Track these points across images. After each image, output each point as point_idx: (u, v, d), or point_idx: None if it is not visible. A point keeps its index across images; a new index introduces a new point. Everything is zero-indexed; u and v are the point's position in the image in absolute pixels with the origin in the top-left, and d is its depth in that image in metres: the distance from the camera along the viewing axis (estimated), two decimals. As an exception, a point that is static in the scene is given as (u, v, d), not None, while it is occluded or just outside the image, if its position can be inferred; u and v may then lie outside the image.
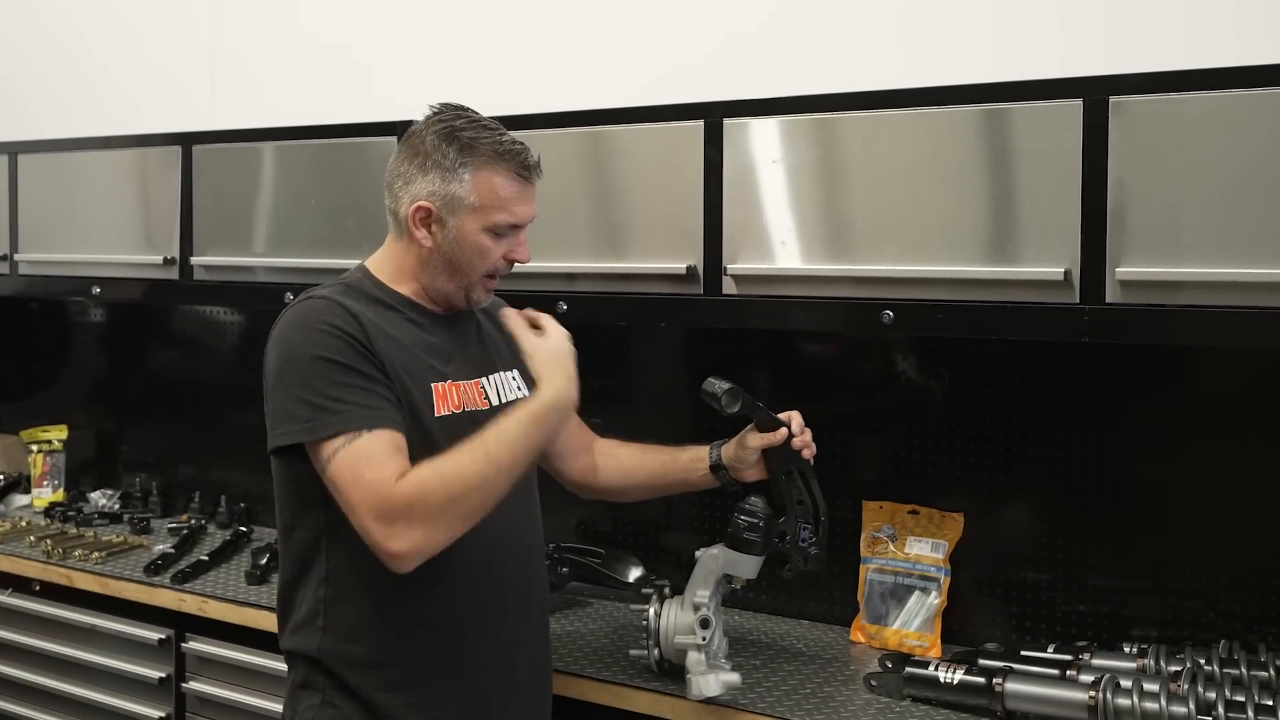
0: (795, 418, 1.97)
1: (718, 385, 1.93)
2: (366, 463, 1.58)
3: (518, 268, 1.83)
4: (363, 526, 1.58)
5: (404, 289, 1.80)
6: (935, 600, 2.19)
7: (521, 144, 1.78)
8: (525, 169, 1.77)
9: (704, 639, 1.92)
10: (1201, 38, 1.99)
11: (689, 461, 2.05)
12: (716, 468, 2.02)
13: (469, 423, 1.71)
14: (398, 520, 1.56)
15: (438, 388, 1.74)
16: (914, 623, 2.20)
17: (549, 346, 1.75)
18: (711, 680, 1.89)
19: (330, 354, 1.64)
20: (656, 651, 2.01)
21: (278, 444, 1.66)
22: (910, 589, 2.22)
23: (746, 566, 1.96)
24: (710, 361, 2.55)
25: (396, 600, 1.70)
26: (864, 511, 2.31)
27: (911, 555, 2.23)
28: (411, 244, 1.77)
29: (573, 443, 2.05)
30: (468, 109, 1.79)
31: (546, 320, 1.80)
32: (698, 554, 2.03)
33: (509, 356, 1.88)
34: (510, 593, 1.81)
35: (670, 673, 2.01)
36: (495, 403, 1.81)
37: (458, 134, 1.74)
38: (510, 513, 1.75)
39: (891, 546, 2.25)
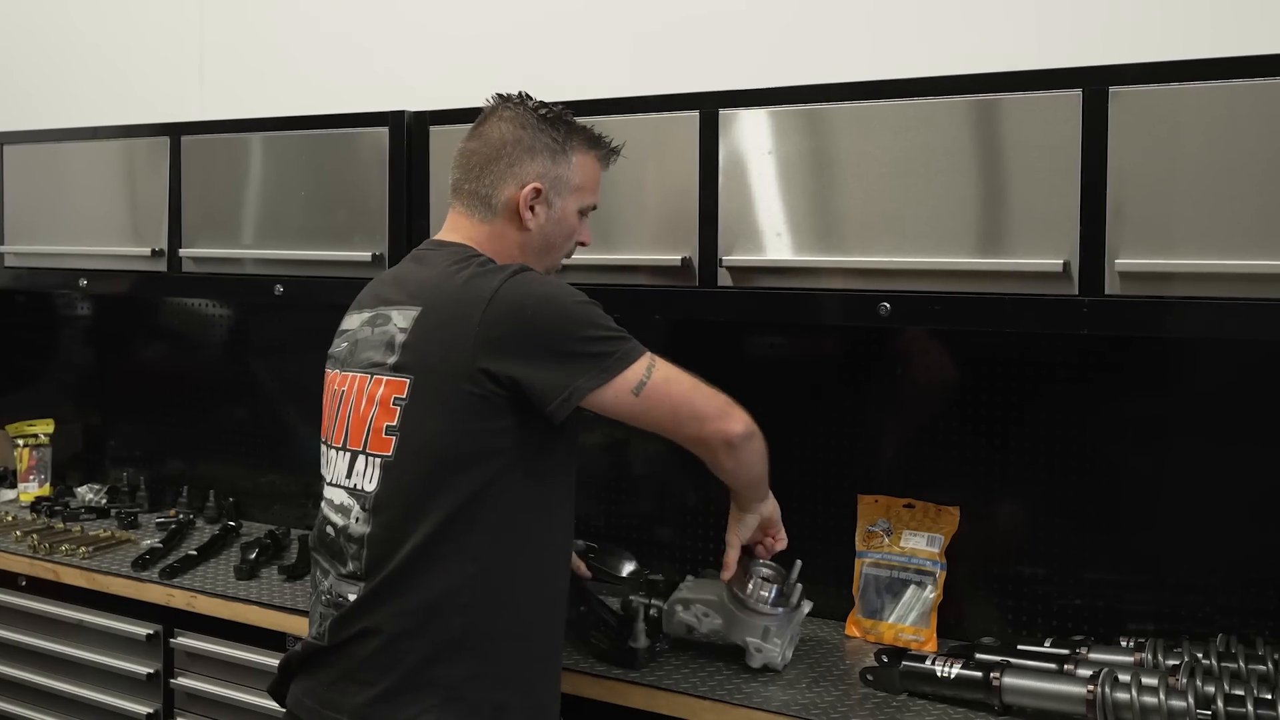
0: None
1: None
2: (690, 375, 1.73)
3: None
4: (711, 412, 1.74)
5: None
6: (931, 594, 2.18)
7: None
8: (613, 155, 1.92)
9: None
10: (1202, 28, 1.98)
11: None
12: None
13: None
14: (733, 417, 1.75)
15: None
16: (909, 617, 2.19)
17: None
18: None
19: (585, 299, 1.71)
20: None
21: (599, 383, 1.66)
22: (906, 583, 2.21)
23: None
24: (704, 355, 2.54)
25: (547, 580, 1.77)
26: (859, 505, 2.30)
27: (907, 549, 2.22)
28: (510, 226, 1.81)
29: None
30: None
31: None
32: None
33: None
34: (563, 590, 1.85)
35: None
36: None
37: (561, 118, 1.83)
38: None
39: (887, 540, 2.24)
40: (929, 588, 2.18)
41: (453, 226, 1.84)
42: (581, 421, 1.77)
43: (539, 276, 1.73)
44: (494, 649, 1.67)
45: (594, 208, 1.90)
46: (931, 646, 2.14)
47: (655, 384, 1.68)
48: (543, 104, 1.84)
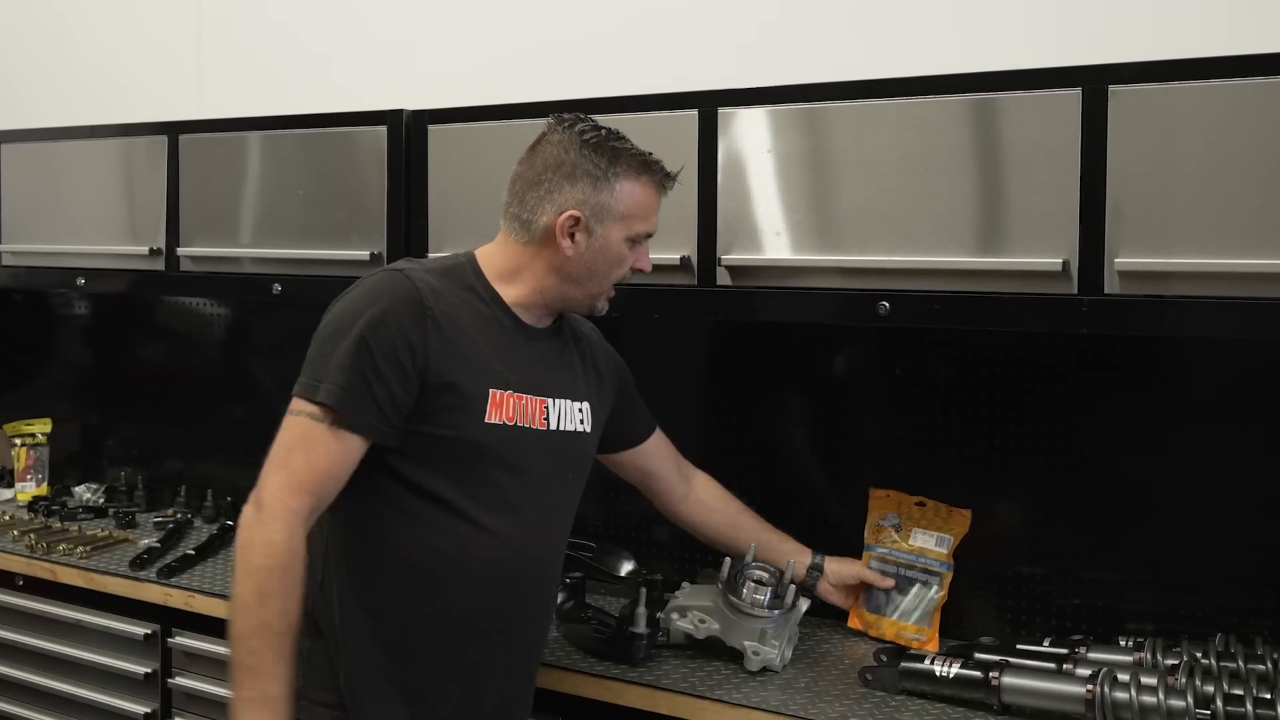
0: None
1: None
2: (308, 449, 1.62)
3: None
4: (262, 472, 1.63)
5: (507, 292, 1.78)
6: (936, 594, 2.17)
7: (658, 159, 1.80)
8: (668, 180, 1.81)
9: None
10: (1201, 27, 1.98)
11: (790, 550, 2.20)
12: (815, 568, 2.22)
13: (519, 436, 1.73)
14: (261, 507, 1.60)
15: (494, 395, 1.71)
16: (913, 615, 2.18)
17: None
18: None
19: (372, 341, 1.63)
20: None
21: (296, 393, 1.67)
22: (912, 581, 2.19)
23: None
24: (702, 353, 2.54)
25: (385, 590, 1.71)
26: (870, 499, 2.28)
27: (916, 547, 2.20)
28: (544, 251, 1.76)
29: (653, 463, 2.13)
30: (591, 117, 1.79)
31: None
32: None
33: (586, 388, 1.88)
34: (504, 618, 1.77)
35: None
36: (554, 426, 1.79)
37: (605, 143, 1.75)
38: (517, 543, 1.75)
39: (895, 536, 2.22)
40: (935, 588, 2.17)
41: (492, 243, 1.84)
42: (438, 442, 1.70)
43: (385, 286, 1.69)
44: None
45: (649, 235, 1.82)
46: (933, 646, 2.14)
47: (285, 423, 1.65)
48: (593, 127, 1.77)
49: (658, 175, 1.80)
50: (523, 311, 1.79)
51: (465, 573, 1.70)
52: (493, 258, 1.80)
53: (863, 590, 2.24)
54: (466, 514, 1.69)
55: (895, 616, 2.20)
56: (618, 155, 1.75)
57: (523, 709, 1.88)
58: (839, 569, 2.21)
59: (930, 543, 2.20)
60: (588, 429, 1.87)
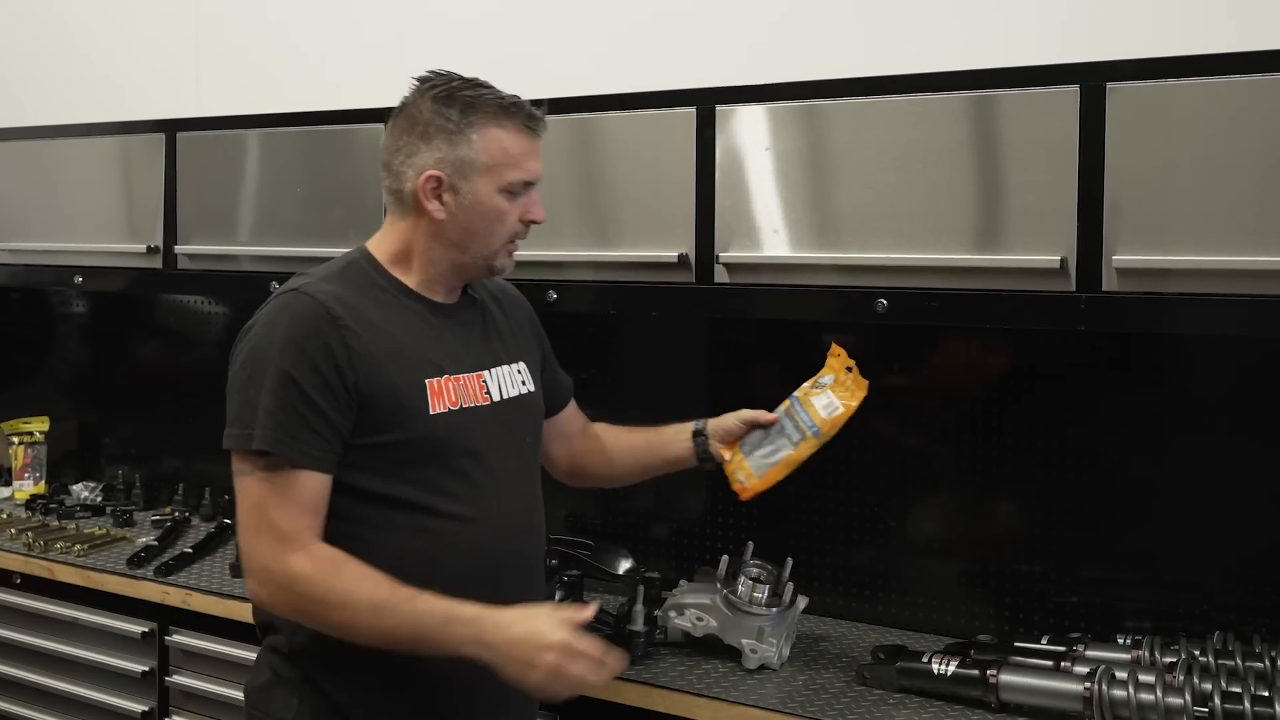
0: None
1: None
2: (276, 500, 1.57)
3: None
4: (242, 548, 1.60)
5: (408, 276, 1.72)
6: (787, 452, 1.96)
7: (521, 98, 1.70)
8: (533, 121, 1.69)
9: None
10: (1199, 24, 1.97)
11: (673, 433, 2.00)
12: (698, 433, 1.96)
13: (469, 418, 1.68)
14: (256, 577, 1.58)
15: (432, 384, 1.66)
16: (755, 461, 1.97)
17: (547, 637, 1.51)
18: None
19: (297, 375, 1.58)
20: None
21: (226, 446, 1.64)
22: (783, 433, 1.98)
23: None
24: (698, 350, 2.54)
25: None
26: (829, 355, 2.01)
27: (809, 404, 1.97)
28: (420, 221, 1.68)
29: (569, 427, 2.01)
30: (455, 72, 1.71)
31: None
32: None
33: (515, 347, 1.83)
34: (500, 604, 1.68)
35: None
36: (497, 397, 1.74)
37: (456, 95, 1.65)
38: (501, 523, 1.70)
39: (813, 390, 1.99)
40: (789, 447, 1.96)
41: (381, 229, 1.77)
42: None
43: (287, 313, 1.63)
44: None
45: (528, 182, 1.69)
46: (747, 496, 1.96)
47: (239, 485, 1.62)
48: (445, 80, 1.67)
49: (518, 116, 1.67)
50: (429, 292, 1.73)
51: (452, 568, 1.64)
52: (383, 244, 1.74)
53: (748, 431, 2.01)
54: (438, 510, 1.64)
55: (745, 454, 1.99)
56: (471, 105, 1.65)
57: (528, 699, 1.82)
58: (721, 421, 1.98)
59: (820, 404, 1.97)
60: (531, 387, 1.82)
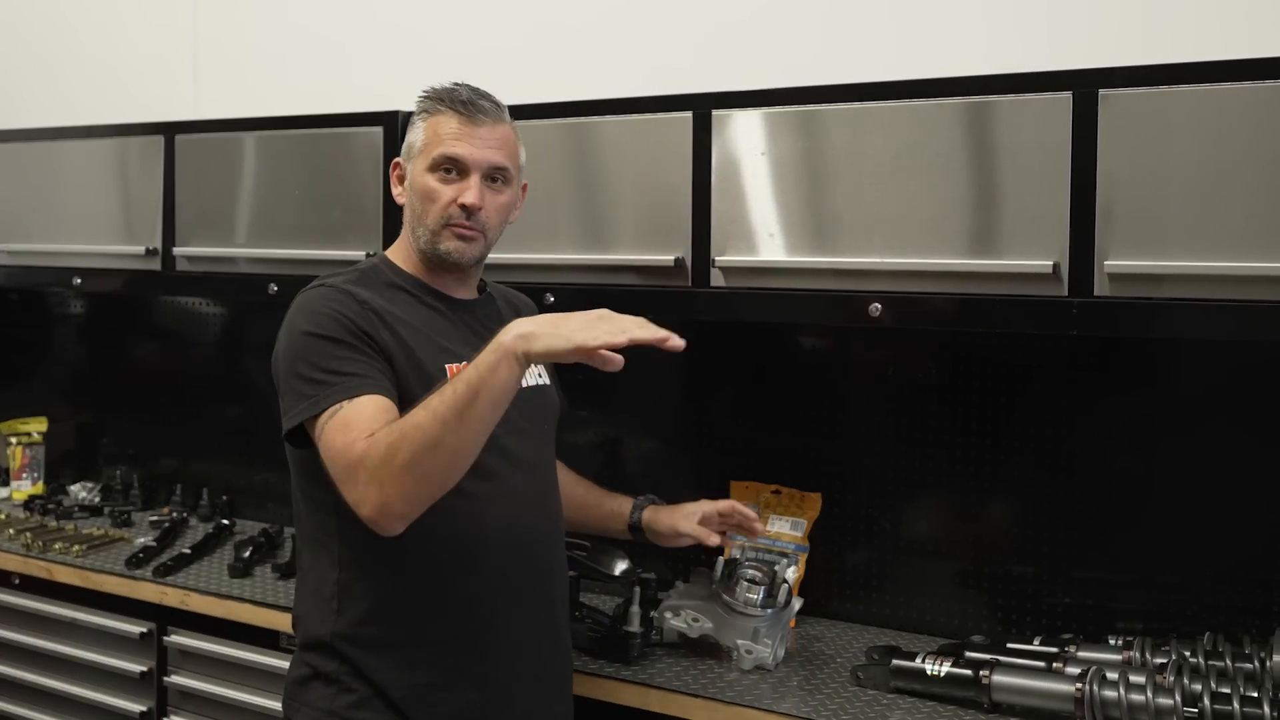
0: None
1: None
2: (343, 429, 1.57)
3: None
4: (341, 476, 1.57)
5: (424, 274, 1.81)
6: (794, 574, 2.20)
7: (475, 89, 1.79)
8: (463, 105, 1.75)
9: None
10: (1189, 31, 1.99)
11: (611, 512, 2.12)
12: (635, 528, 2.10)
13: None
14: (355, 480, 1.54)
15: (452, 368, 1.71)
16: None
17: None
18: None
19: (324, 331, 1.65)
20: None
21: (289, 425, 1.65)
22: (773, 563, 2.15)
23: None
24: (693, 355, 2.54)
25: (412, 581, 1.70)
26: (731, 490, 2.36)
27: (773, 533, 2.30)
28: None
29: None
30: (464, 83, 1.82)
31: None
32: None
33: None
34: (530, 578, 1.79)
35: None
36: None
37: (423, 97, 1.80)
38: (528, 499, 1.77)
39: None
40: (792, 567, 2.18)
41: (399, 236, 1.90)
42: None
43: (306, 298, 1.72)
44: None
45: (451, 159, 1.74)
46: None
47: (323, 445, 1.61)
48: (439, 88, 1.80)
49: (455, 103, 1.76)
50: (443, 286, 1.82)
51: (477, 544, 1.70)
52: (400, 247, 1.85)
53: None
54: (467, 490, 1.65)
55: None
56: (425, 99, 1.80)
57: (565, 668, 1.90)
58: (657, 518, 2.09)
59: (785, 527, 2.28)
60: (546, 380, 1.91)
